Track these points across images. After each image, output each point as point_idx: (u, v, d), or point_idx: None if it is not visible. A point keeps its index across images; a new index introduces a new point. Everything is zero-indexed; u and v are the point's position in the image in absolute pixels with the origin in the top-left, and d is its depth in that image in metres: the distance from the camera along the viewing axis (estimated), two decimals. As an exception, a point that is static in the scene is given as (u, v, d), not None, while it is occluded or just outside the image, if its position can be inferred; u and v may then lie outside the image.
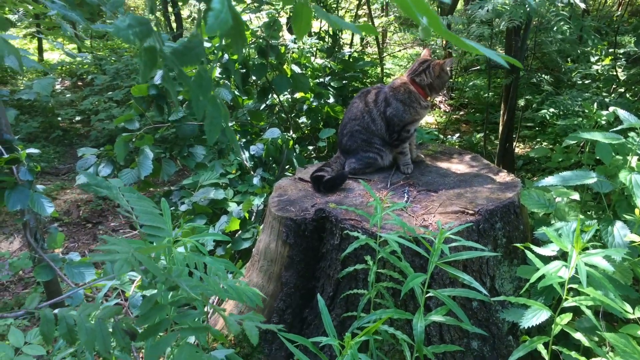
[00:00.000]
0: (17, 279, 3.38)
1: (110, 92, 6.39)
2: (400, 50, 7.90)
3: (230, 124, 3.77)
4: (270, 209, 2.37)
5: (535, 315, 1.72)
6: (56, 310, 0.86)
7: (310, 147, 3.99)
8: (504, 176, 2.43)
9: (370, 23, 6.54)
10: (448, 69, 2.57)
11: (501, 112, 4.28)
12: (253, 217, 2.95)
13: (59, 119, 6.36)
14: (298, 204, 2.36)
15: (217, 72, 3.70)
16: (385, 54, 6.96)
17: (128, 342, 0.88)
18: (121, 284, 2.52)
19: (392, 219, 1.96)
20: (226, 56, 3.66)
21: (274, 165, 3.54)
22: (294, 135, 3.77)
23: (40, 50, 9.10)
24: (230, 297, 1.19)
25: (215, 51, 3.76)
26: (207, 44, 3.61)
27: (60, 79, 7.83)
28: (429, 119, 5.94)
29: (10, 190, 2.35)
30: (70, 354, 2.43)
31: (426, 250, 1.76)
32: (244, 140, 3.64)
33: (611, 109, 2.48)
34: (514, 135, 4.42)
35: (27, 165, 2.41)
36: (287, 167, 3.60)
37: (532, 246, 1.85)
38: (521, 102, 4.63)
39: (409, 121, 2.55)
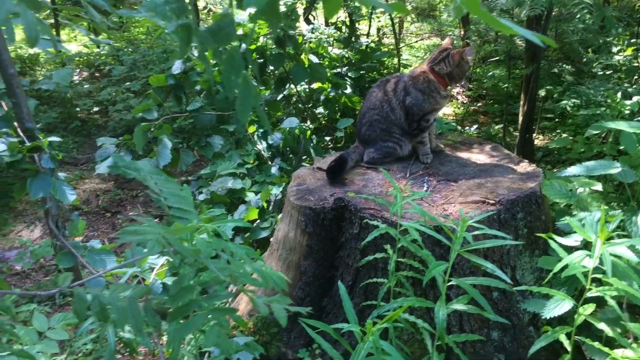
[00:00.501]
0: (38, 267, 3.42)
1: (128, 83, 6.43)
2: (417, 41, 7.84)
3: (247, 114, 3.78)
4: (289, 198, 2.37)
5: (558, 305, 1.70)
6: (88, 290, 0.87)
7: (328, 138, 3.98)
8: (525, 166, 2.40)
9: (387, 13, 6.49)
10: (468, 58, 2.53)
11: (521, 103, 4.23)
12: (271, 207, 2.96)
13: (77, 109, 6.41)
14: (317, 193, 2.36)
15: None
16: (402, 45, 6.92)
17: (158, 322, 0.89)
18: (141, 271, 2.54)
19: (412, 208, 1.96)
20: (244, 46, 3.65)
21: (290, 156, 3.54)
22: (311, 126, 3.76)
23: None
24: (254, 282, 1.20)
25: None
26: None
27: (78, 70, 7.89)
28: (446, 110, 5.89)
29: (33, 178, 2.38)
30: (92, 339, 2.46)
31: (447, 239, 1.75)
32: (261, 130, 3.64)
33: (635, 98, 2.44)
34: (534, 127, 4.37)
35: (49, 153, 2.43)
36: (304, 157, 3.59)
37: (554, 236, 1.83)
38: (542, 93, 4.57)
39: (428, 110, 2.53)
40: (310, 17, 5.30)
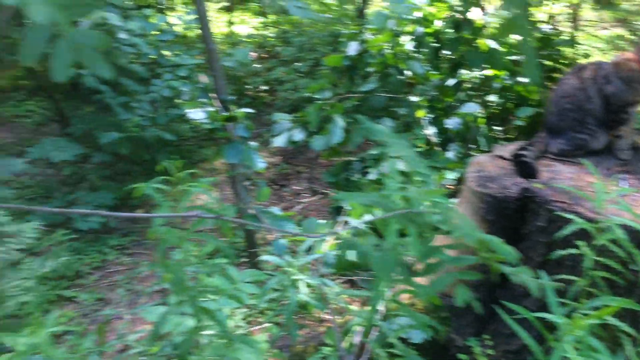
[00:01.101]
0: (216, 228, 3.74)
1: (297, 64, 6.73)
2: (596, 31, 7.21)
3: (416, 99, 3.77)
4: (469, 184, 2.33)
5: None
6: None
7: (499, 128, 3.84)
8: None
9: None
10: None
11: None
12: (442, 192, 2.93)
13: (247, 87, 6.87)
14: (498, 181, 2.29)
15: (409, 45, 3.70)
16: (578, 34, 6.41)
17: (408, 275, 0.94)
18: (313, 241, 2.68)
19: (612, 205, 1.82)
20: (421, 29, 3.64)
21: (459, 143, 3.47)
22: (483, 113, 3.64)
23: (229, 23, 9.83)
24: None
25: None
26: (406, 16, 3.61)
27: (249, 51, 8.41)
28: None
29: (229, 145, 2.61)
30: (270, 299, 2.63)
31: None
32: (431, 115, 3.61)
33: None
34: None
35: (244, 123, 2.64)
36: (473, 145, 3.50)
37: None
38: None
39: (630, 102, 2.32)
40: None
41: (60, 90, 5.38)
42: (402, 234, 1.23)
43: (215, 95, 2.92)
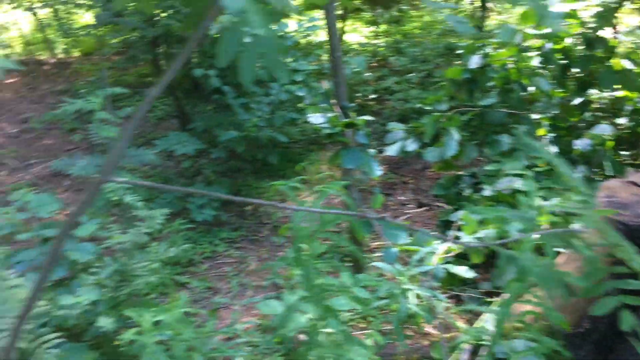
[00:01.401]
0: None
1: (411, 74, 6.70)
2: None
3: (537, 116, 3.63)
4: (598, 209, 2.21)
5: None
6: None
7: (627, 152, 3.60)
8: None
9: None
10: None
11: None
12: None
13: (356, 95, 6.94)
14: (632, 208, 2.15)
15: (535, 61, 3.57)
16: None
17: (566, 295, 0.92)
18: (424, 253, 2.65)
19: None
20: (549, 45, 3.50)
21: (584, 165, 3.29)
22: (611, 136, 3.44)
23: (342, 31, 9.99)
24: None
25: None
26: (533, 31, 3.50)
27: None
28: None
29: (347, 150, 2.65)
30: (378, 306, 2.63)
31: None
32: (553, 134, 3.46)
33: None
34: None
35: (364, 130, 2.68)
36: (596, 169, 3.31)
37: None
38: None
39: None
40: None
41: (182, 89, 5.74)
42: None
43: (335, 101, 2.98)
